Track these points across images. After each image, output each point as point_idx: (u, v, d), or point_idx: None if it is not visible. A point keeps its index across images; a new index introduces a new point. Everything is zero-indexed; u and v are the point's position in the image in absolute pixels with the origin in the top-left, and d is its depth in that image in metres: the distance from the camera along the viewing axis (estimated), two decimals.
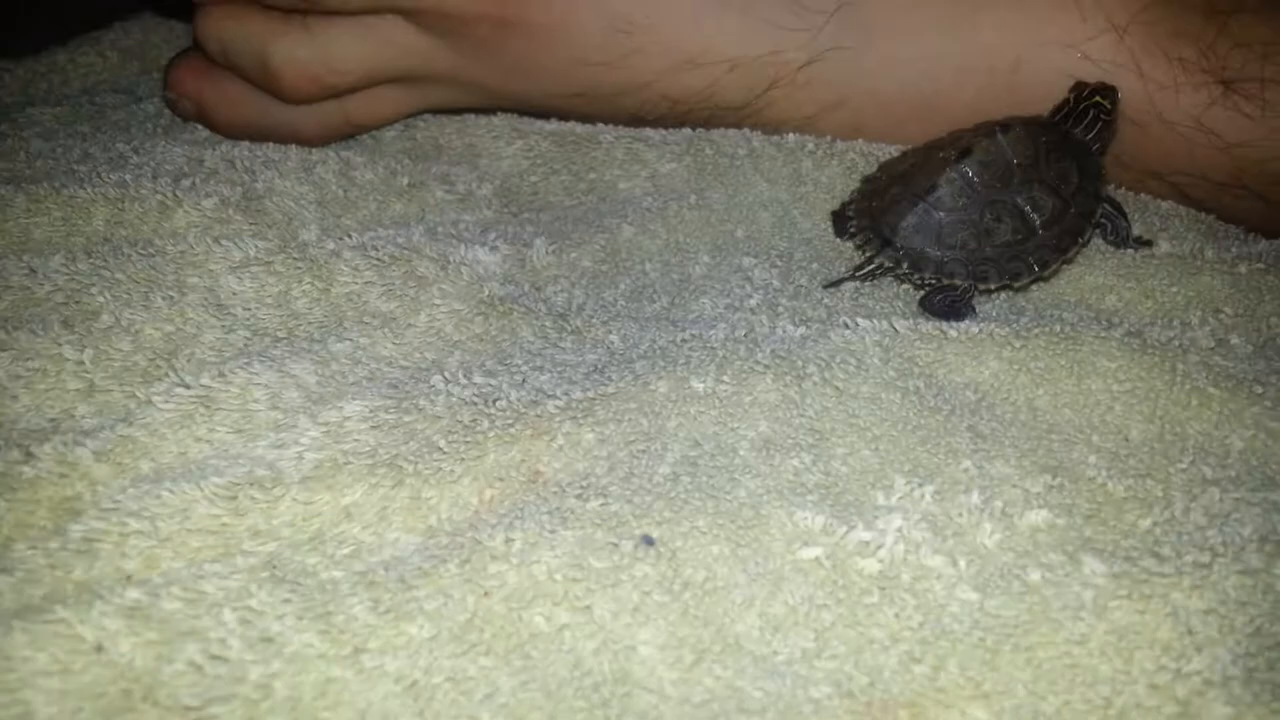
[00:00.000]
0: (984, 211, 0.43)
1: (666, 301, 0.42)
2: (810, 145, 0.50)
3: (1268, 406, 0.37)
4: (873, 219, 0.45)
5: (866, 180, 0.47)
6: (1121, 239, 0.45)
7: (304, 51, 0.48)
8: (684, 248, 0.46)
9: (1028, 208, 0.43)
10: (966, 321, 0.40)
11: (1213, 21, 0.47)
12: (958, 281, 0.42)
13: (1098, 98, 0.46)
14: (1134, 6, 0.48)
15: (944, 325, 0.40)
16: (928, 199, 0.43)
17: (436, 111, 0.53)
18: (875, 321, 0.40)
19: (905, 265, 0.43)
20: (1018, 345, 0.38)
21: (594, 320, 0.40)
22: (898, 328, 0.40)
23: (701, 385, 0.36)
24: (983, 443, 0.35)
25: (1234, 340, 0.40)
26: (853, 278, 0.44)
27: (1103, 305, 0.43)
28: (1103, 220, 0.45)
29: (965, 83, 0.50)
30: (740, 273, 0.44)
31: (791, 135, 0.50)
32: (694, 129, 0.51)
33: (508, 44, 0.48)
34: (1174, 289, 0.43)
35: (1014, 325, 0.40)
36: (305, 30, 0.47)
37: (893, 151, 0.51)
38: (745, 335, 0.39)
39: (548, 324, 0.40)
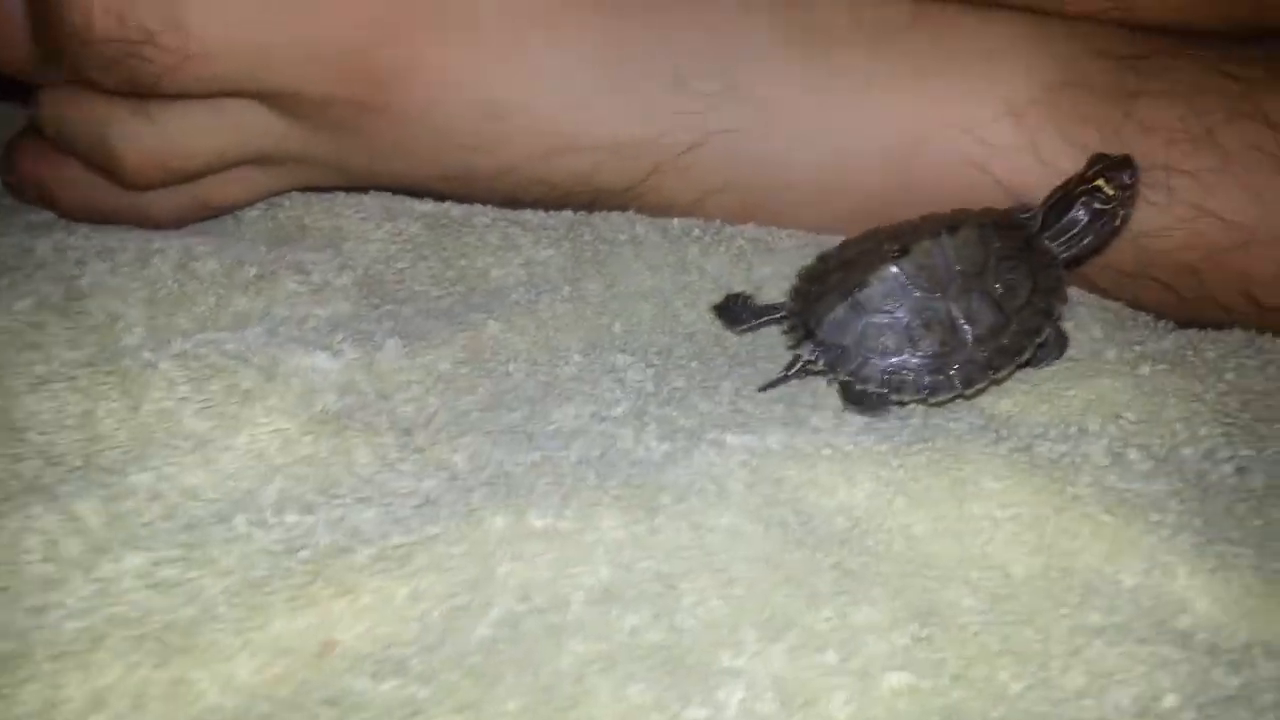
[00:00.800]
0: (913, 317, 0.39)
1: (527, 411, 0.39)
2: (697, 231, 0.47)
3: (1164, 537, 0.34)
4: (803, 308, 0.42)
5: (807, 269, 0.43)
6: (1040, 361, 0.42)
7: (147, 137, 0.44)
8: (554, 345, 0.42)
9: (961, 319, 0.39)
10: (848, 435, 0.37)
11: (1117, 104, 0.45)
12: (870, 388, 0.39)
13: (1100, 181, 0.41)
14: (1034, 88, 0.45)
15: (826, 438, 0.36)
16: (857, 294, 0.40)
17: (305, 189, 0.50)
18: (746, 437, 0.36)
19: (822, 362, 0.40)
20: (895, 464, 0.35)
21: (442, 435, 0.37)
22: (770, 444, 0.36)
23: (541, 522, 0.32)
24: (849, 582, 0.32)
25: (1132, 455, 0.37)
26: (784, 379, 0.41)
27: (995, 410, 0.40)
28: (1045, 342, 0.41)
29: (862, 167, 0.47)
30: (613, 373, 0.41)
31: (677, 220, 0.47)
32: (575, 211, 0.48)
33: (370, 127, 0.45)
34: (1071, 392, 0.40)
35: (895, 439, 0.37)
36: (147, 115, 0.44)
37: (785, 237, 0.48)
38: (601, 455, 0.36)
39: (389, 441, 0.36)
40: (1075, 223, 0.41)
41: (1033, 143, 0.45)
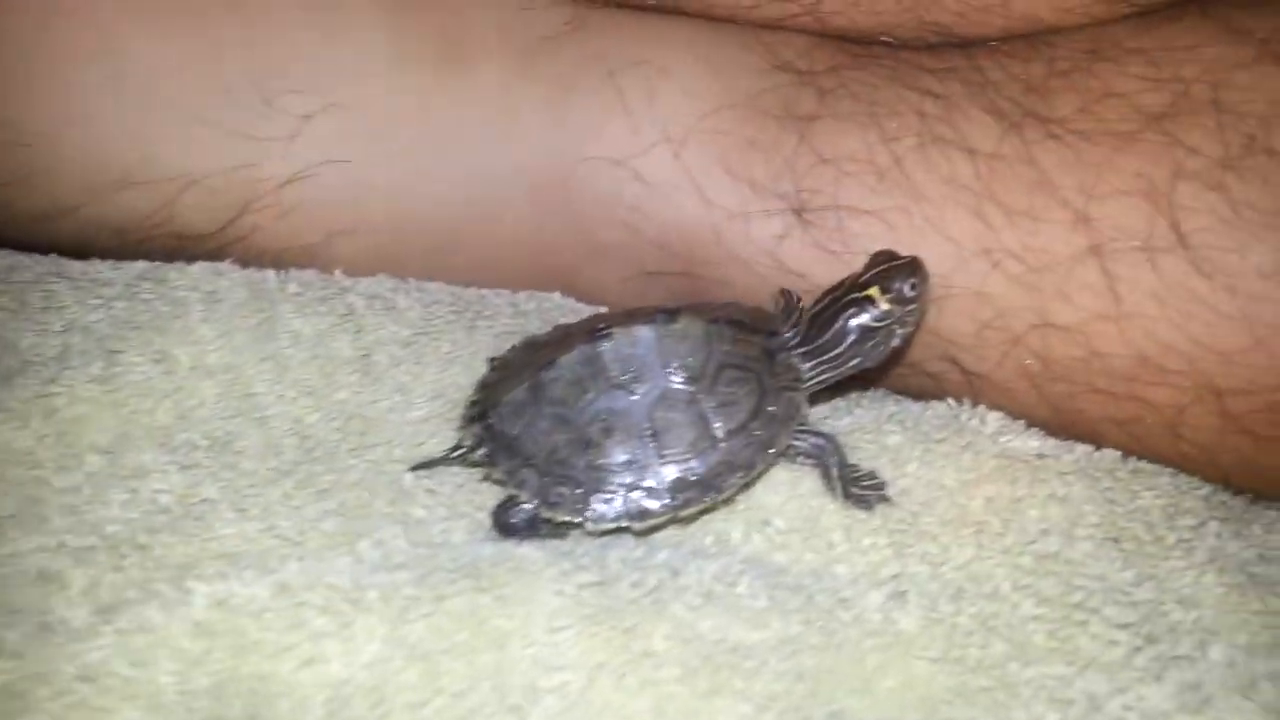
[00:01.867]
0: (595, 417, 0.31)
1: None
2: (295, 286, 0.38)
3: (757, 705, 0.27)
4: (495, 381, 0.34)
5: (524, 342, 0.35)
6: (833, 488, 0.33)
7: None
8: (71, 442, 0.34)
9: (648, 430, 0.31)
10: (374, 571, 0.27)
11: (792, 129, 0.36)
12: (523, 496, 0.31)
13: (873, 290, 0.32)
14: (696, 112, 0.37)
15: (347, 577, 0.27)
16: (542, 375, 0.32)
17: None
18: (219, 585, 0.27)
19: (483, 451, 0.32)
20: (417, 616, 0.28)
21: None
22: (255, 591, 0.27)
23: None
24: None
25: (741, 587, 0.29)
26: (443, 460, 0.33)
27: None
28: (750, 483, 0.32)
29: (508, 203, 0.39)
30: (134, 478, 0.33)
31: (274, 273, 0.38)
32: (151, 261, 0.39)
33: None
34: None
35: (434, 576, 0.29)
36: None
37: (414, 293, 0.39)
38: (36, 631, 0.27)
39: None
40: (841, 338, 0.33)
41: (692, 179, 0.37)
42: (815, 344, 0.33)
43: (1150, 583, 0.31)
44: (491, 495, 0.32)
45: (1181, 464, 0.34)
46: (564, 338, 0.34)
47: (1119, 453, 0.35)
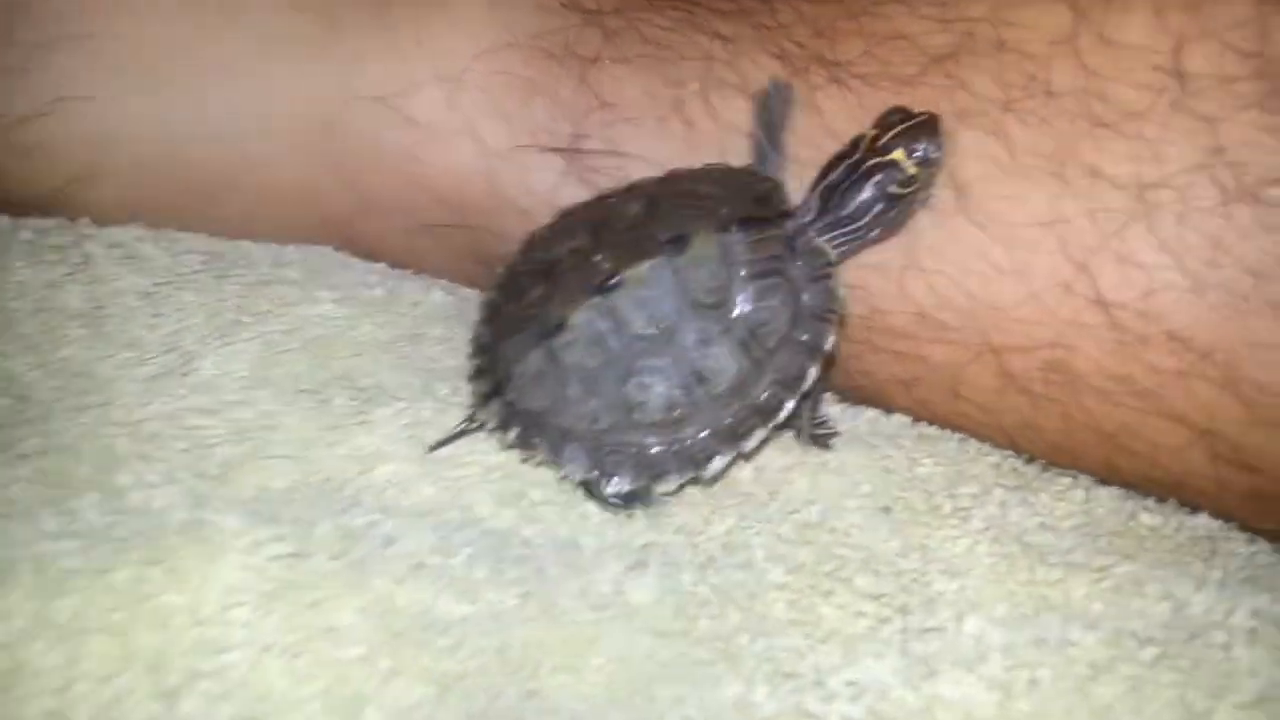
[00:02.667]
0: (628, 374, 0.28)
1: None
2: (27, 233, 0.34)
3: None
4: (494, 341, 0.30)
5: (501, 275, 0.32)
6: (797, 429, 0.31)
7: None
8: None
9: (690, 376, 0.28)
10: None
11: (571, 71, 0.34)
12: (576, 475, 0.29)
13: (898, 154, 0.29)
14: (471, 50, 0.34)
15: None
16: (555, 340, 0.28)
17: None
18: None
19: (514, 436, 0.29)
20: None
21: None
22: None
23: None
24: None
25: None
26: (457, 435, 0.30)
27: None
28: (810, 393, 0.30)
29: (272, 147, 0.35)
30: None
31: (6, 218, 0.35)
32: None
33: None
34: None
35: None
36: None
37: (165, 245, 0.36)
38: None
39: None
40: (865, 210, 0.29)
41: (467, 122, 0.34)
42: (835, 217, 0.30)
43: (917, 553, 0.29)
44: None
45: (966, 427, 0.32)
46: (564, 257, 0.30)
47: (908, 418, 0.34)
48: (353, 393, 0.32)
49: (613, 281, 0.29)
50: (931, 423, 0.33)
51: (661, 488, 0.29)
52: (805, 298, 0.29)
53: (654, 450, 0.29)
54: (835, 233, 0.30)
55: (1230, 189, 0.27)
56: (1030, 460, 0.33)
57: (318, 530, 0.27)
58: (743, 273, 0.29)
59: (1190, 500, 0.31)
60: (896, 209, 0.30)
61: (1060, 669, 0.25)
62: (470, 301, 0.35)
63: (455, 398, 0.32)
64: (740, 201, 0.30)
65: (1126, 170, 0.27)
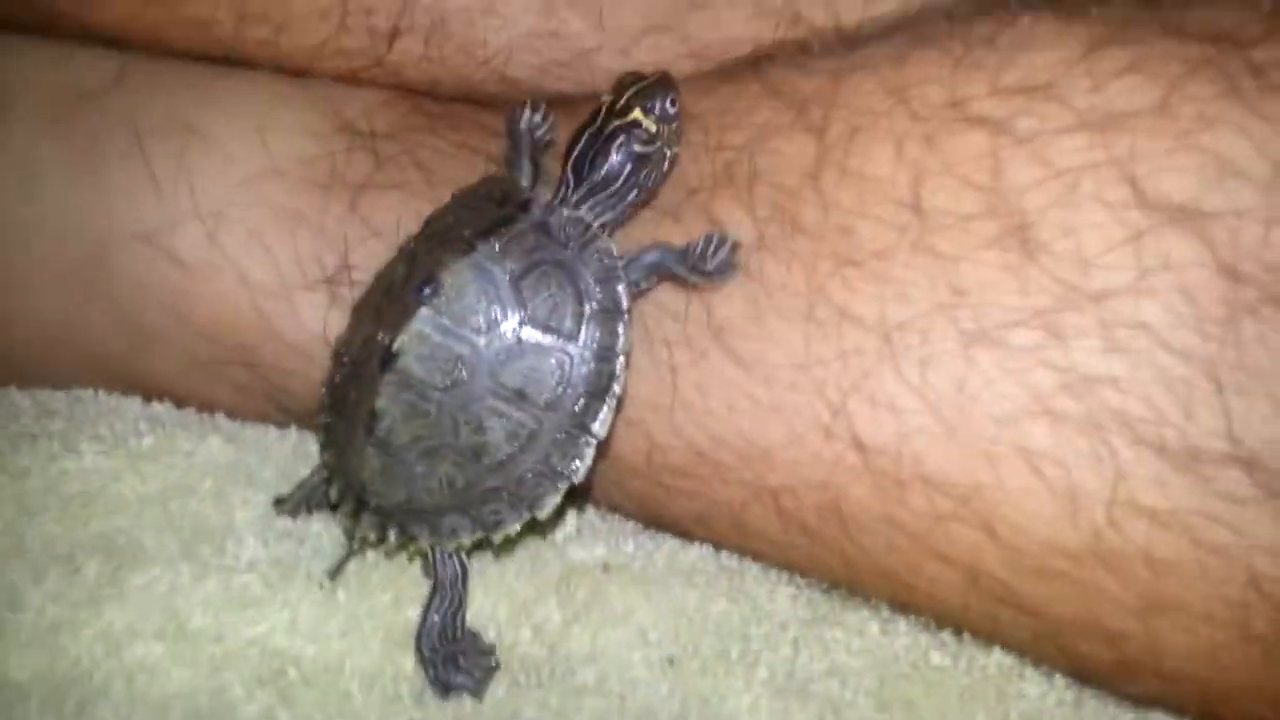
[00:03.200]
0: (457, 427, 0.27)
1: None
2: None
3: None
4: (338, 459, 0.29)
5: (326, 388, 0.30)
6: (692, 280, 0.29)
7: None
8: None
9: (509, 397, 0.27)
10: None
11: (339, 198, 0.32)
12: (464, 540, 0.28)
13: (636, 113, 0.29)
14: (232, 181, 0.32)
15: None
16: (376, 432, 0.27)
17: None
18: None
19: (394, 536, 0.28)
20: None
21: None
22: None
23: None
24: None
25: None
26: (345, 560, 0.29)
27: None
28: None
29: (39, 285, 0.33)
30: None
31: None
32: None
33: None
34: None
35: None
36: None
37: None
38: None
39: None
40: (616, 173, 0.28)
41: (229, 257, 0.32)
42: (590, 186, 0.29)
43: (695, 712, 0.28)
44: None
45: (761, 559, 0.31)
46: (363, 339, 0.29)
47: (711, 549, 0.33)
48: (105, 556, 0.30)
49: (393, 352, 0.28)
50: (731, 553, 0.33)
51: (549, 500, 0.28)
52: (581, 269, 0.28)
53: (527, 476, 0.28)
54: (593, 200, 0.29)
55: (971, 331, 0.26)
56: (829, 589, 0.32)
57: None
58: (507, 278, 0.28)
59: (978, 636, 0.30)
60: (647, 169, 0.29)
61: None
62: (249, 444, 0.34)
63: (217, 559, 0.30)
64: (481, 214, 0.29)
65: (873, 310, 0.27)
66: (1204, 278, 0.24)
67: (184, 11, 0.34)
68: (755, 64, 0.31)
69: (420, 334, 0.28)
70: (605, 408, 0.28)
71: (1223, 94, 0.25)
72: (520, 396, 0.28)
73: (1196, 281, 0.24)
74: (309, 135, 0.33)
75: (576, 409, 0.28)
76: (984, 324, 0.26)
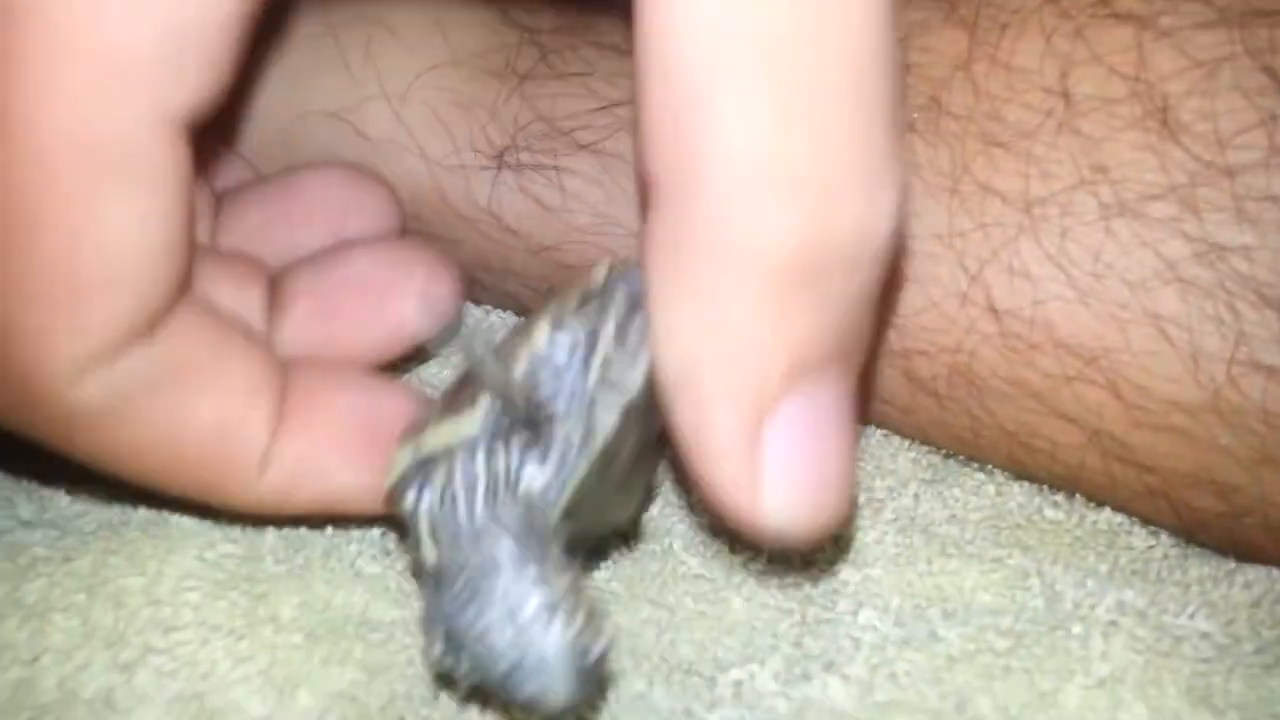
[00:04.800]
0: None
1: None
2: None
3: None
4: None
5: None
6: None
7: None
8: None
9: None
10: None
11: (510, 86, 0.35)
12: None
13: None
14: (415, 68, 0.36)
15: None
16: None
17: None
18: None
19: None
20: None
21: None
22: None
23: None
24: None
25: None
26: None
27: None
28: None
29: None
30: None
31: None
32: None
33: None
34: None
35: None
36: None
37: None
38: None
39: None
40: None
41: (412, 135, 0.36)
42: None
43: (830, 544, 0.31)
44: None
45: (886, 424, 0.34)
46: None
47: None
48: None
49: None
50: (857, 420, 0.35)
51: None
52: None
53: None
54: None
55: (1111, 205, 0.28)
56: (947, 455, 0.35)
57: (265, 539, 0.29)
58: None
59: (1092, 496, 0.32)
60: None
61: (920, 662, 0.27)
62: None
63: None
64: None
65: (1016, 186, 0.29)
66: None
67: None
68: None
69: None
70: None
71: None
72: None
73: None
74: (482, 29, 0.37)
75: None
76: (1124, 197, 0.28)
